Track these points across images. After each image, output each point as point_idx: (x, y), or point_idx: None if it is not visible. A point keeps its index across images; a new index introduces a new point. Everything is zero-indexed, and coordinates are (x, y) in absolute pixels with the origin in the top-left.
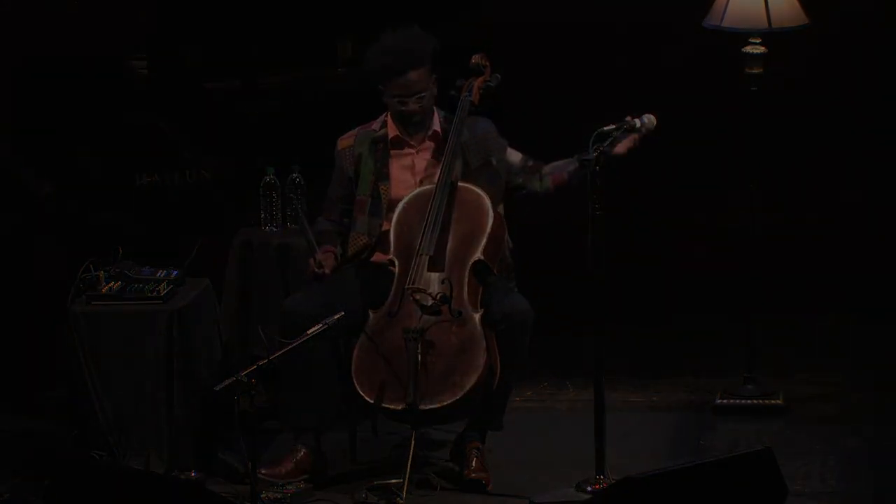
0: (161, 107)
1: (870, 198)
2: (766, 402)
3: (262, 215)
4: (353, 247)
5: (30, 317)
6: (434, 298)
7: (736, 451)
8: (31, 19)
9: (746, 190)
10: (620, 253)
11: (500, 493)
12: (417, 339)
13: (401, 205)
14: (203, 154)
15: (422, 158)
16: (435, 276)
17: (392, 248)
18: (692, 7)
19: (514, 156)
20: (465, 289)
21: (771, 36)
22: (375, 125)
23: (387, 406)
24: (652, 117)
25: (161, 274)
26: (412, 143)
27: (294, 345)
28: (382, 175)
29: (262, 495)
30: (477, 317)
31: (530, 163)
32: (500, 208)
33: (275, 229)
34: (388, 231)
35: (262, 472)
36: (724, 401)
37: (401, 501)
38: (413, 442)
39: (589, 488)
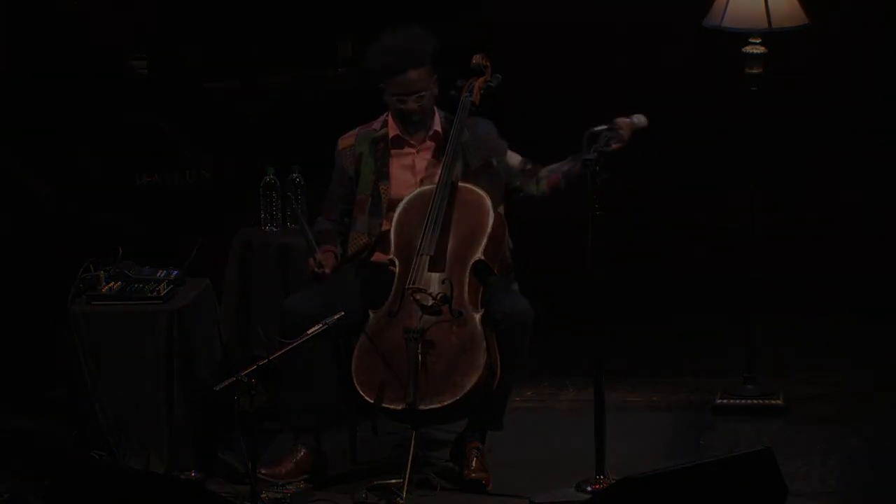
0: (161, 107)
1: (870, 198)
2: (766, 402)
3: (262, 215)
4: (353, 246)
5: (30, 317)
6: (434, 298)
7: (736, 451)
8: (31, 19)
9: (746, 190)
10: (620, 253)
11: (500, 493)
12: (418, 339)
13: (401, 205)
14: (203, 154)
15: (422, 158)
16: (435, 276)
17: (392, 248)
18: (692, 7)
19: (514, 158)
20: (466, 289)
21: (771, 36)
22: (376, 125)
23: (387, 406)
24: (642, 117)
25: (161, 274)
26: (413, 142)
27: (294, 345)
28: (383, 174)
29: (262, 495)
30: (477, 317)
31: (529, 166)
32: (501, 208)
33: (275, 229)
34: (388, 231)
35: (262, 472)
36: (724, 401)
37: (401, 501)
38: (413, 442)
39: (589, 488)
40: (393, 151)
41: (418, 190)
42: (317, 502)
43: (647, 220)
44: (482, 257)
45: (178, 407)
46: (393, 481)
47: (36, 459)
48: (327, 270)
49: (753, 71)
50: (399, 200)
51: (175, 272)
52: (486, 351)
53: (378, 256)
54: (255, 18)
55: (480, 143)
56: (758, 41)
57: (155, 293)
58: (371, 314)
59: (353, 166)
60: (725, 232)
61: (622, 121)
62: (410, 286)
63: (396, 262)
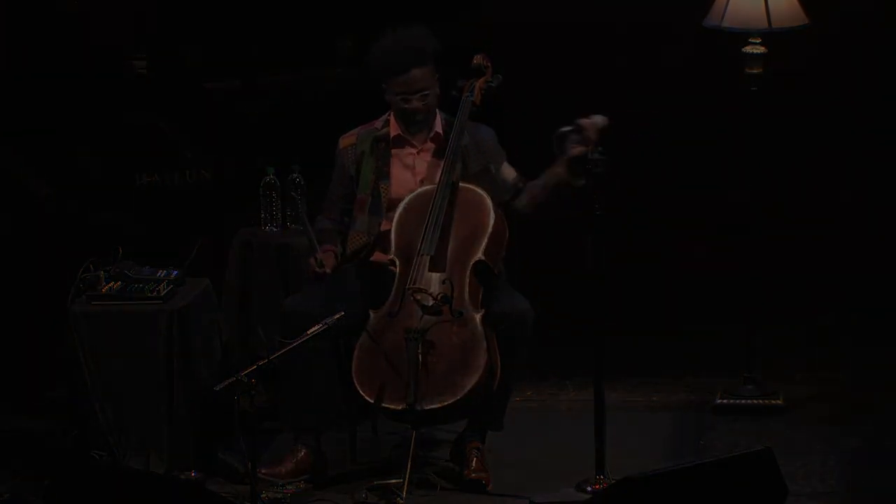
0: (161, 107)
1: (870, 198)
2: (766, 402)
3: (262, 215)
4: (353, 245)
5: (30, 317)
6: (435, 299)
7: (736, 451)
8: (31, 19)
9: (746, 190)
10: (620, 253)
11: (500, 493)
12: (418, 339)
13: (402, 205)
14: (203, 154)
15: (423, 159)
16: (436, 276)
17: (393, 248)
18: (692, 7)
19: (509, 172)
20: (466, 289)
21: (771, 36)
22: (378, 124)
23: (387, 406)
24: (603, 117)
25: (161, 274)
26: (414, 142)
27: (294, 345)
28: (383, 174)
29: (262, 495)
30: (478, 317)
31: (521, 183)
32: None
33: (275, 229)
34: (388, 231)
35: (262, 472)
36: (724, 401)
37: (401, 501)
38: (413, 442)
39: (589, 488)
40: (394, 151)
41: (419, 190)
42: (317, 502)
43: (647, 220)
44: (483, 257)
45: (178, 407)
46: (393, 481)
47: (36, 459)
48: (328, 270)
49: (753, 71)
50: (399, 200)
51: (175, 272)
52: (486, 351)
53: (378, 256)
54: (255, 18)
55: (480, 149)
56: (758, 41)
57: (155, 293)
58: (371, 314)
59: (354, 165)
60: (725, 232)
61: (586, 122)
62: (411, 286)
63: (397, 262)
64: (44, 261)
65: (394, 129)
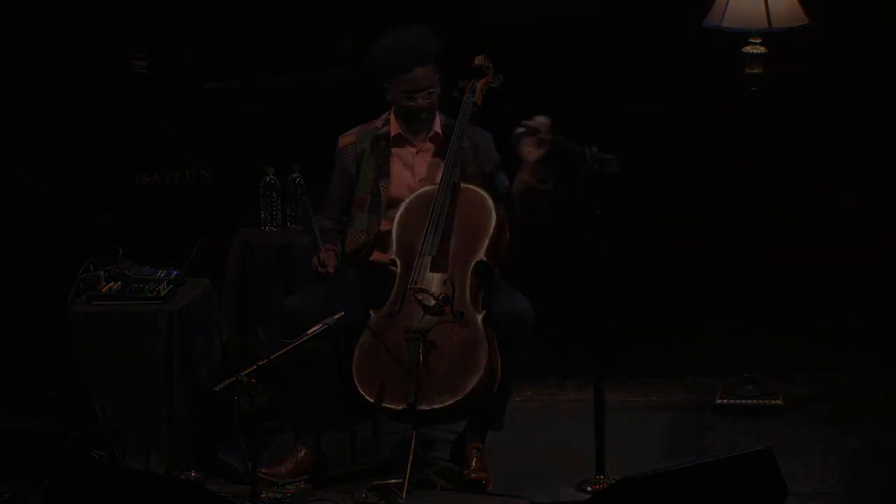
0: (161, 107)
1: (869, 198)
2: (766, 402)
3: (262, 215)
4: (352, 244)
5: (30, 317)
6: (436, 299)
7: (736, 451)
8: (31, 19)
9: (746, 190)
10: (620, 253)
11: (500, 493)
12: (419, 339)
13: (403, 205)
14: (203, 154)
15: (422, 159)
16: (437, 276)
17: (394, 249)
18: (692, 7)
19: (501, 179)
20: (468, 290)
21: (771, 36)
22: (378, 122)
23: (387, 406)
24: (545, 117)
25: (161, 274)
26: (414, 142)
27: (294, 345)
28: (383, 172)
29: (262, 495)
30: (479, 318)
31: (508, 191)
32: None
33: (275, 229)
34: (389, 231)
35: (262, 472)
36: (724, 401)
37: (401, 501)
38: (413, 442)
39: (589, 488)
40: (394, 150)
41: (420, 190)
42: (317, 502)
43: (647, 220)
44: (484, 258)
45: (178, 407)
46: (393, 481)
47: (36, 459)
48: (330, 270)
49: (753, 71)
50: (398, 199)
51: (175, 272)
52: (487, 352)
53: (378, 256)
54: (255, 18)
55: (479, 152)
56: (758, 41)
57: (155, 293)
58: (372, 314)
59: (354, 164)
60: (725, 232)
61: (539, 122)
62: (412, 286)
63: (398, 263)
64: (44, 261)
65: (394, 129)
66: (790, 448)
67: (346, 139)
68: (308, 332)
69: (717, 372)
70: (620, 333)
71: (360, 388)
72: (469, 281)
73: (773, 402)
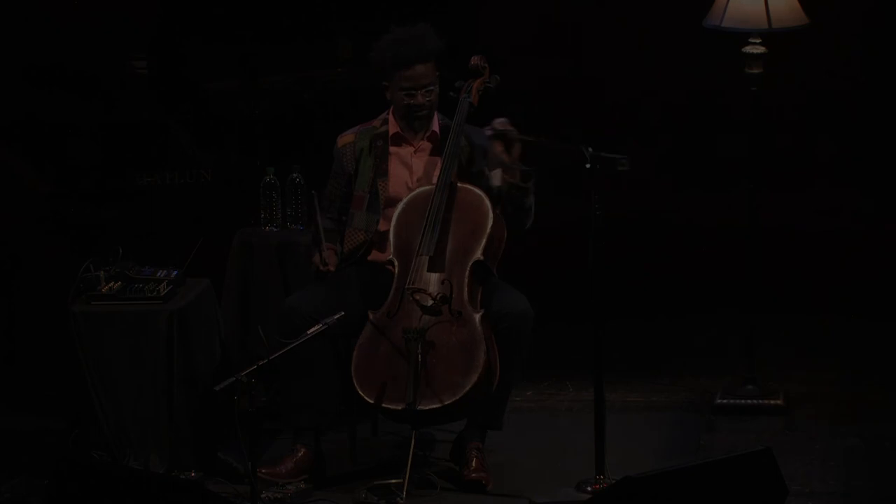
0: (161, 107)
1: (870, 198)
2: (766, 402)
3: (262, 215)
4: (350, 243)
5: (30, 317)
6: (434, 299)
7: (736, 451)
8: (32, 19)
9: (746, 190)
10: (620, 253)
11: (500, 493)
12: (418, 339)
13: (400, 205)
14: (203, 154)
15: (419, 158)
16: (435, 276)
17: (391, 249)
18: (692, 7)
19: (497, 179)
20: (465, 289)
21: (771, 36)
22: (377, 122)
23: (387, 406)
24: (501, 119)
25: (161, 274)
26: (412, 141)
27: (294, 345)
28: (381, 171)
29: (262, 495)
30: (477, 317)
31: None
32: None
33: (275, 229)
34: (387, 231)
35: (262, 472)
36: (724, 401)
37: (401, 501)
38: (413, 442)
39: (589, 488)
40: (392, 149)
41: (417, 190)
42: (317, 502)
43: (647, 220)
44: (481, 257)
45: (178, 407)
46: (393, 481)
47: (36, 459)
48: (331, 268)
49: (753, 71)
50: (396, 198)
51: (175, 272)
52: (485, 351)
53: (376, 256)
54: (255, 18)
55: (476, 153)
56: (758, 41)
57: (155, 293)
58: (370, 314)
59: (352, 163)
60: (725, 232)
61: (503, 123)
62: (410, 286)
63: (395, 263)
64: (44, 261)
65: (392, 127)
66: (790, 448)
67: (345, 139)
68: (308, 332)
69: (717, 372)
70: (621, 333)
71: (359, 389)
72: (467, 280)
73: (773, 402)
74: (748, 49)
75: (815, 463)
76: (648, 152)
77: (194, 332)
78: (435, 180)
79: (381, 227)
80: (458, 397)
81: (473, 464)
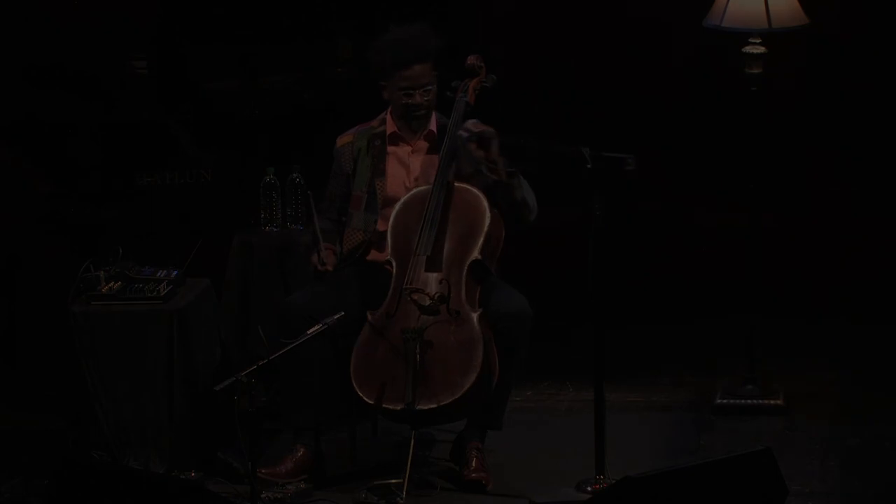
0: (161, 107)
1: (870, 198)
2: (766, 402)
3: (262, 215)
4: (349, 243)
5: (30, 317)
6: (432, 298)
7: (736, 451)
8: (32, 19)
9: (746, 190)
10: (620, 253)
11: (500, 493)
12: (416, 339)
13: (398, 205)
14: (203, 154)
15: (416, 157)
16: (433, 276)
17: (389, 249)
18: (692, 7)
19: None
20: (463, 289)
21: (771, 36)
22: (375, 122)
23: (386, 406)
24: (471, 121)
25: (161, 274)
26: (410, 140)
27: (294, 345)
28: (379, 171)
29: (262, 495)
30: (475, 316)
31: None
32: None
33: (275, 229)
34: (385, 231)
35: (262, 472)
36: (724, 401)
37: (401, 501)
38: (413, 442)
39: (589, 488)
40: (390, 148)
41: (415, 190)
42: (317, 502)
43: (647, 220)
44: (479, 257)
45: (178, 407)
46: (393, 481)
47: (36, 459)
48: (330, 268)
49: (753, 71)
50: (393, 197)
51: (175, 272)
52: (484, 350)
53: (374, 256)
54: (255, 18)
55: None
56: (758, 41)
57: (155, 293)
58: (369, 315)
59: (351, 163)
60: (725, 232)
61: (476, 124)
62: (408, 286)
63: (393, 263)
64: (44, 261)
65: (390, 127)
66: (790, 448)
67: (343, 139)
68: (308, 332)
69: (717, 372)
70: (620, 333)
71: (357, 390)
72: (465, 280)
73: (773, 402)
74: (748, 49)
75: (815, 463)
76: (648, 152)
77: (194, 332)
78: (432, 180)
79: (380, 226)
80: (456, 397)
81: (473, 464)
